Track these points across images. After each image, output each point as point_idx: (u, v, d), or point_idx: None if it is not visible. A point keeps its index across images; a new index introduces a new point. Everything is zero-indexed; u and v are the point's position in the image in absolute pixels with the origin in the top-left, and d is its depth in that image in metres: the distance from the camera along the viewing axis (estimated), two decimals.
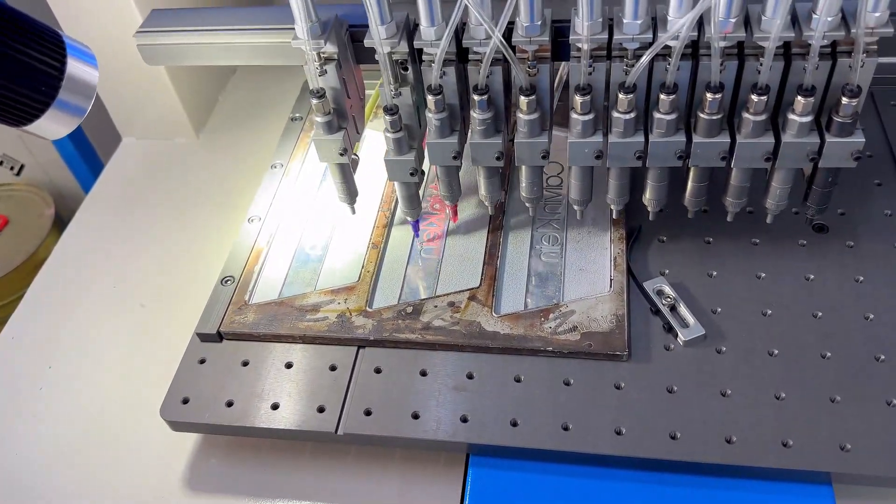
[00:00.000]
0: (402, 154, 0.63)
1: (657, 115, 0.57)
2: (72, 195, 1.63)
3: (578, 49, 0.55)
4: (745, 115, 0.56)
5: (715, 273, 0.67)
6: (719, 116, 0.56)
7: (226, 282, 0.70)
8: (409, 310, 0.66)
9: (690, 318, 0.63)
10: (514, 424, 0.58)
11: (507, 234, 0.72)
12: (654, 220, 0.70)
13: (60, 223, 1.53)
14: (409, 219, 0.70)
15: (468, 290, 0.67)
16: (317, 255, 0.72)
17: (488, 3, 0.55)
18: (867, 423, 0.56)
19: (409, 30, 0.59)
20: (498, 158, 0.62)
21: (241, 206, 0.82)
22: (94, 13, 0.85)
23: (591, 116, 0.58)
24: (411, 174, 0.64)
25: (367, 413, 0.60)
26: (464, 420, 0.59)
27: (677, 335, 0.62)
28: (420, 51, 0.59)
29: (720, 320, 0.63)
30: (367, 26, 0.56)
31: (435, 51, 0.56)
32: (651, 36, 0.54)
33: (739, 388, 0.59)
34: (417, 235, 0.73)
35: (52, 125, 0.47)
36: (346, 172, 0.68)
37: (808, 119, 0.55)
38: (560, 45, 0.58)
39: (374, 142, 0.82)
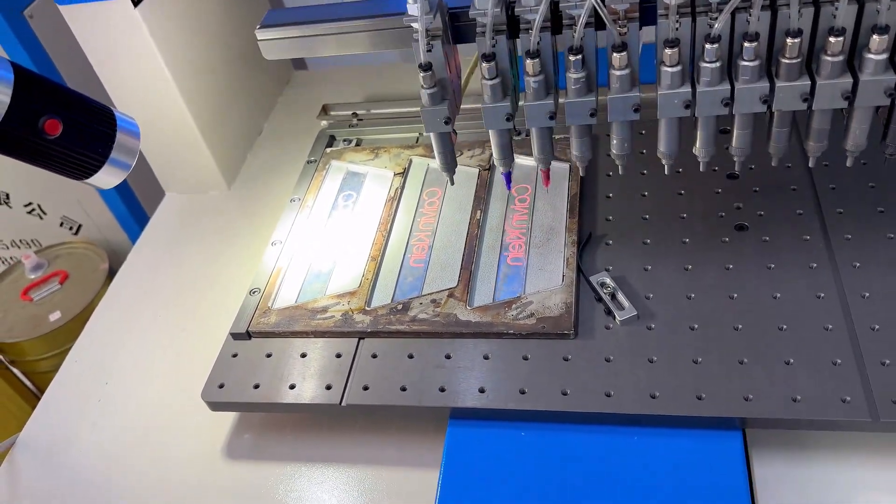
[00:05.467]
0: (497, 101, 0.67)
1: (742, 63, 0.61)
2: (123, 251, 1.74)
3: (666, 7, 0.61)
4: (824, 57, 0.60)
5: (650, 267, 0.80)
6: (798, 60, 0.60)
7: (253, 293, 0.86)
8: (400, 307, 0.81)
9: (626, 303, 0.76)
10: (482, 391, 0.72)
11: (481, 244, 0.86)
12: (603, 226, 0.84)
13: (113, 276, 1.69)
14: (501, 169, 0.76)
15: (448, 289, 0.82)
16: (326, 269, 0.88)
17: None
18: (768, 379, 0.68)
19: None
20: (592, 115, 0.66)
21: (266, 238, 0.96)
22: (141, 91, 1.03)
23: (678, 68, 0.62)
24: (507, 119, 0.68)
25: (365, 388, 0.75)
26: (441, 390, 0.73)
27: (615, 317, 0.75)
28: (518, 18, 0.64)
29: (652, 304, 0.76)
30: (462, 8, 0.65)
31: (533, 17, 0.62)
32: None
33: (664, 356, 0.72)
34: (510, 188, 0.82)
35: (106, 177, 0.61)
36: (446, 143, 0.74)
37: (884, 57, 0.59)
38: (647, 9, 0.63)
39: (376, 175, 0.98)
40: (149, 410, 0.85)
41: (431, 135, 0.73)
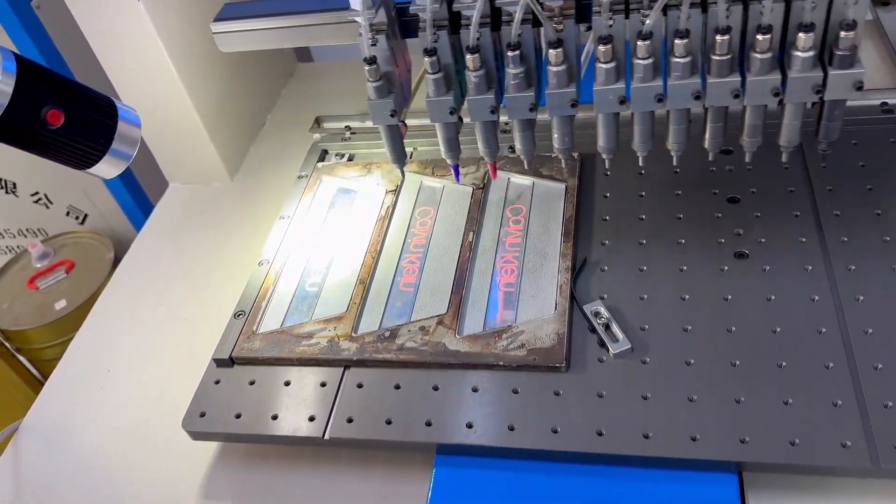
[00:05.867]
0: (440, 95, 0.69)
1: (673, 59, 0.62)
2: (128, 240, 1.78)
3: (600, 4, 0.62)
4: (753, 54, 0.61)
5: (646, 296, 0.78)
6: (728, 57, 0.61)
7: (238, 315, 0.84)
8: (387, 334, 0.78)
9: (620, 335, 0.74)
10: (470, 426, 0.70)
11: (472, 267, 0.84)
12: (598, 251, 0.82)
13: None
14: (449, 161, 0.78)
15: (437, 316, 0.79)
16: (314, 292, 0.86)
17: None
18: (765, 419, 0.66)
19: None
20: (531, 110, 0.68)
21: (267, 230, 0.95)
22: (144, 81, 1.03)
23: (613, 65, 0.63)
24: (451, 113, 0.70)
25: (349, 421, 0.73)
26: (428, 424, 0.71)
27: (609, 350, 0.73)
28: (458, 14, 0.66)
29: (647, 336, 0.74)
30: (407, 3, 0.67)
31: (471, 13, 0.64)
32: None
33: (658, 393, 0.69)
34: (458, 180, 0.84)
35: (107, 168, 0.63)
36: (395, 135, 0.76)
37: (811, 54, 0.60)
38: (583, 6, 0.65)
39: (367, 192, 0.96)
40: (150, 398, 0.86)
41: (379, 127, 0.74)
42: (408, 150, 1.03)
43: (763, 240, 0.80)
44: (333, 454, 0.75)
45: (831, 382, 0.67)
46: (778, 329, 0.72)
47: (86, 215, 1.81)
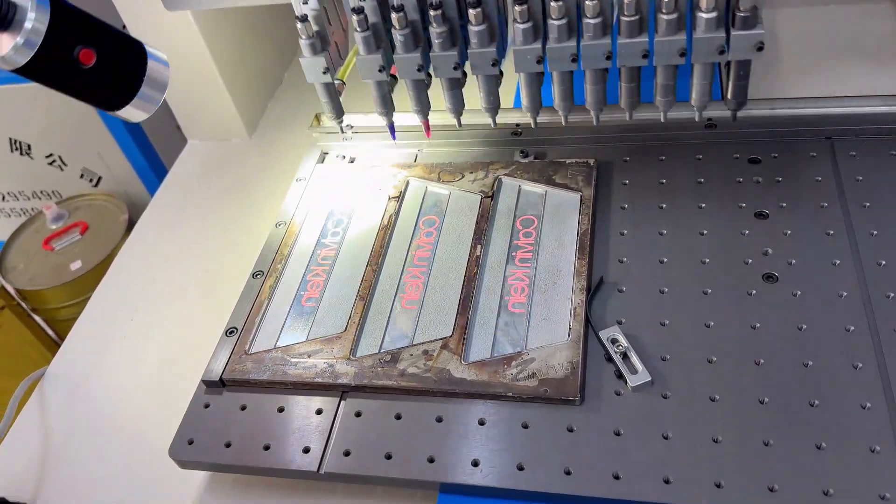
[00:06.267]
0: (370, 53, 0.72)
1: (585, 20, 0.66)
2: (142, 203, 1.84)
3: None
4: (660, 15, 0.64)
5: (667, 322, 0.72)
6: (636, 18, 0.65)
7: (230, 333, 0.79)
8: (388, 358, 0.73)
9: (639, 366, 0.68)
10: (475, 464, 0.65)
11: (480, 284, 0.78)
12: (616, 270, 0.77)
13: (132, 228, 1.75)
14: (384, 121, 0.82)
15: (441, 339, 0.74)
16: (310, 307, 0.80)
17: None
18: (796, 466, 0.61)
19: None
20: (455, 69, 0.72)
21: (285, 187, 0.96)
22: (165, 35, 1.02)
23: (530, 25, 0.67)
24: (380, 70, 0.74)
25: (346, 454, 0.68)
26: (430, 461, 0.66)
27: (627, 382, 0.68)
28: None
29: (668, 367, 0.69)
30: None
31: None
32: None
33: (680, 432, 0.64)
34: (394, 138, 0.86)
35: (136, 111, 0.65)
36: (331, 92, 0.79)
37: (714, 15, 0.63)
38: None
39: (369, 198, 0.90)
40: (172, 345, 0.88)
41: (315, 84, 0.78)
42: (412, 152, 0.97)
43: (793, 261, 0.75)
44: (329, 488, 0.71)
45: (868, 425, 0.62)
46: (810, 363, 0.67)
47: (99, 178, 1.83)
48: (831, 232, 0.77)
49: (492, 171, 0.90)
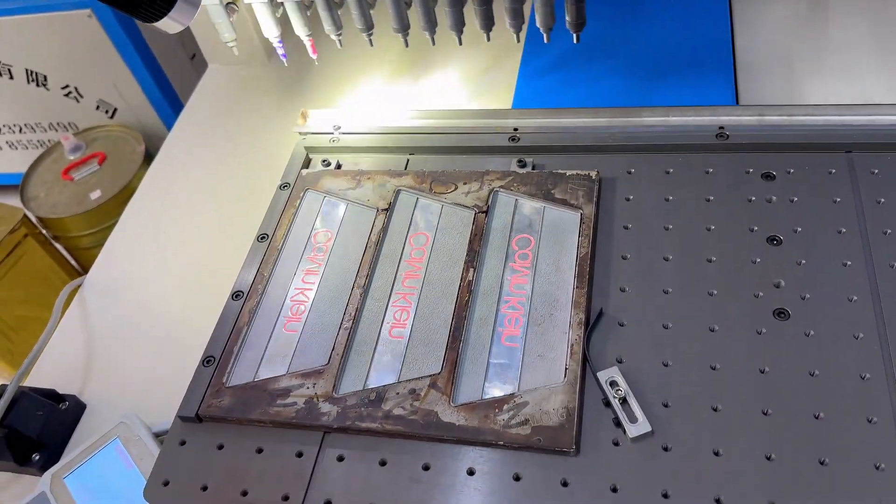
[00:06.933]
0: None
1: None
2: (158, 135, 1.90)
3: None
4: None
5: (670, 362, 0.68)
6: None
7: (207, 363, 0.75)
8: (373, 396, 0.69)
9: (639, 414, 0.64)
10: None
11: (472, 314, 0.74)
12: (616, 300, 0.72)
13: (149, 159, 1.81)
14: (273, 41, 0.92)
15: (430, 376, 0.70)
16: (292, 336, 0.76)
17: None
18: None
19: None
20: None
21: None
22: None
23: None
24: None
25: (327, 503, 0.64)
26: None
27: (625, 431, 0.64)
28: None
29: (670, 415, 0.64)
30: None
31: None
32: None
33: (681, 490, 0.60)
34: (284, 58, 0.95)
35: (172, 23, 0.68)
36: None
37: None
38: None
39: (357, 210, 0.85)
40: (204, 250, 0.98)
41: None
42: (402, 158, 0.92)
43: (807, 295, 0.70)
44: None
45: (884, 483, 0.58)
46: (821, 415, 0.62)
47: (115, 109, 1.87)
48: (848, 263, 0.71)
49: (487, 183, 0.84)
